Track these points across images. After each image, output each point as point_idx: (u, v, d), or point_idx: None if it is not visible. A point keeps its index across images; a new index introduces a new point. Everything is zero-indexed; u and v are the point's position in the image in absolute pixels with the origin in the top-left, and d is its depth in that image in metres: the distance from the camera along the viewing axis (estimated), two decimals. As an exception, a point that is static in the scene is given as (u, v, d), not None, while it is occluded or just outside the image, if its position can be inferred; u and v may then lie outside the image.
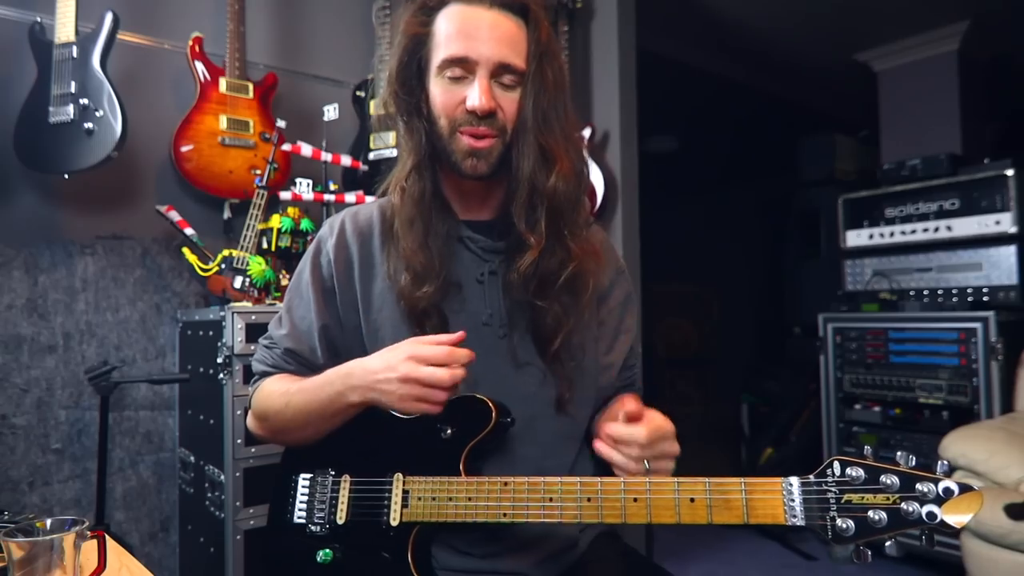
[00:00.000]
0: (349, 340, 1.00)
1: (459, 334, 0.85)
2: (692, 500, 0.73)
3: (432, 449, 0.88)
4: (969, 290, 2.69)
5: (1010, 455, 1.96)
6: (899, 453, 0.66)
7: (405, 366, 0.83)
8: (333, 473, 0.94)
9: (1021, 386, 2.33)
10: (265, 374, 1.03)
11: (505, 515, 0.82)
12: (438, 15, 0.93)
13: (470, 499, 0.83)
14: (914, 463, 0.64)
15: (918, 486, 0.63)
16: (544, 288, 0.94)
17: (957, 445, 2.07)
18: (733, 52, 3.85)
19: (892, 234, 2.91)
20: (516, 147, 0.92)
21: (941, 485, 0.62)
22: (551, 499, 0.79)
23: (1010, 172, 2.58)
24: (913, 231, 2.84)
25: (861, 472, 0.65)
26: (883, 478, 0.64)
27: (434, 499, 0.85)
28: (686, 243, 6.25)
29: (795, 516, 0.67)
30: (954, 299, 2.72)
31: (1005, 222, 2.58)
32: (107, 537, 0.78)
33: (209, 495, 1.79)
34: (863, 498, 0.65)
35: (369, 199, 2.00)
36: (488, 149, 0.91)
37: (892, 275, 2.92)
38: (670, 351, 6.10)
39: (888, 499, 0.64)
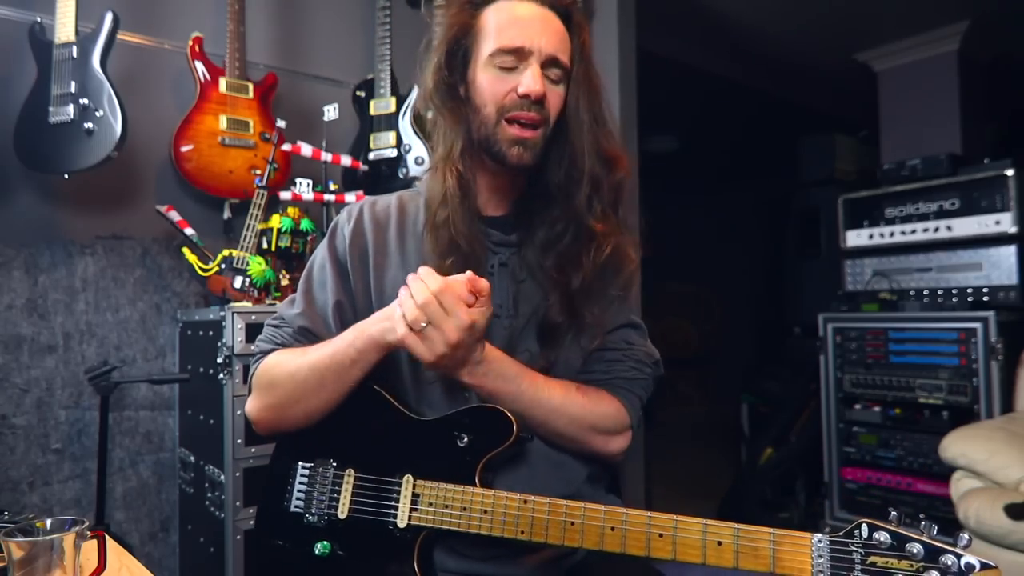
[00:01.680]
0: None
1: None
2: (719, 543, 0.73)
3: (445, 455, 0.88)
4: (969, 290, 2.69)
5: (1010, 455, 1.95)
6: (923, 523, 0.67)
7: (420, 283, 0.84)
8: (335, 464, 0.93)
9: (1021, 386, 2.32)
10: (271, 352, 1.02)
11: (523, 533, 0.81)
12: (487, 9, 0.96)
13: (485, 512, 0.83)
14: (936, 531, 0.67)
15: (942, 558, 0.65)
16: (605, 277, 0.98)
17: (957, 445, 2.06)
18: (733, 52, 3.85)
19: (892, 234, 2.91)
20: (571, 143, 0.95)
21: (963, 560, 0.64)
22: (572, 523, 0.79)
23: (1010, 172, 2.58)
24: (913, 231, 2.84)
25: (888, 537, 0.67)
26: (908, 546, 0.66)
27: (447, 507, 0.85)
28: (686, 243, 6.24)
29: (821, 572, 0.69)
30: (954, 299, 2.72)
31: (1005, 222, 2.58)
32: (107, 537, 0.78)
33: (209, 495, 1.79)
34: (888, 562, 0.67)
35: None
36: (535, 139, 0.93)
37: (892, 275, 2.92)
38: (670, 351, 6.08)
39: (912, 566, 0.66)
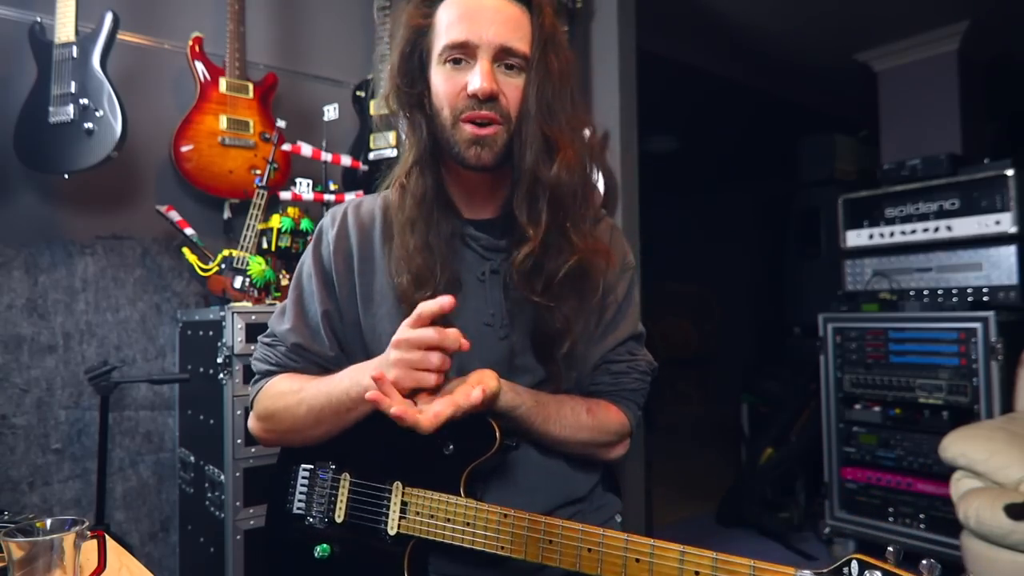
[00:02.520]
0: (349, 333, 0.99)
1: (445, 301, 0.80)
2: (697, 573, 0.69)
3: (432, 463, 0.87)
4: (969, 290, 2.69)
5: (1010, 455, 1.96)
6: (924, 562, 0.60)
7: (396, 352, 0.82)
8: (333, 467, 0.93)
9: (1021, 386, 2.33)
10: (269, 373, 1.00)
11: (503, 548, 0.80)
12: (439, 6, 0.91)
13: (468, 524, 0.82)
14: (939, 573, 0.60)
15: None
16: (548, 286, 0.91)
17: (957, 445, 2.07)
18: (733, 52, 3.85)
19: (892, 234, 2.91)
20: (519, 136, 0.89)
21: None
22: (550, 542, 0.78)
23: (1010, 172, 2.58)
24: (913, 231, 2.84)
25: None
26: None
27: (432, 517, 0.84)
28: (686, 243, 6.25)
29: None
30: (954, 299, 2.72)
31: (1005, 222, 2.58)
32: (107, 537, 0.78)
33: (209, 495, 1.79)
34: None
35: (369, 199, 1.99)
36: (492, 137, 0.88)
37: (892, 275, 2.92)
38: (670, 351, 6.10)
39: None
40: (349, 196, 2.03)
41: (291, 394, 0.94)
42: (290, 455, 0.99)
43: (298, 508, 0.94)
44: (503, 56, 0.88)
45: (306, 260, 1.03)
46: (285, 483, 0.96)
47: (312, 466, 0.95)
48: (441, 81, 0.90)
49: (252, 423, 1.01)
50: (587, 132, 2.48)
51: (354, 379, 0.89)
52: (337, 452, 0.94)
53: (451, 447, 0.86)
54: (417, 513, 0.85)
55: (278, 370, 1.00)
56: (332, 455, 0.94)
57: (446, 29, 0.89)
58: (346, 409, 0.90)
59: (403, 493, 0.87)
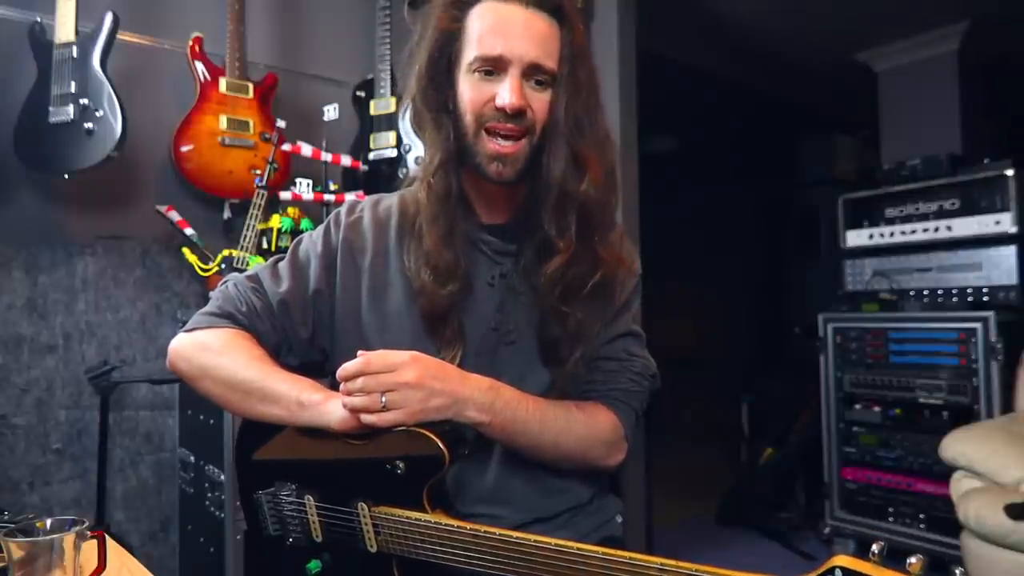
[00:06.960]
0: (338, 321, 0.98)
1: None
2: None
3: (389, 483, 0.84)
4: (969, 290, 2.69)
5: (1010, 455, 1.95)
6: (910, 560, 0.58)
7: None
8: (294, 488, 0.90)
9: (1021, 386, 2.32)
10: (232, 318, 0.95)
11: (483, 567, 0.77)
12: (471, 11, 0.91)
13: (442, 544, 0.79)
14: (925, 568, 0.57)
15: None
16: (568, 295, 0.92)
17: (957, 445, 2.07)
18: (733, 52, 3.85)
19: (892, 234, 2.91)
20: (547, 150, 0.90)
21: None
22: (529, 557, 0.74)
23: (1010, 172, 2.57)
24: (913, 231, 2.84)
25: None
26: None
27: (406, 537, 0.81)
28: (686, 243, 6.24)
29: None
30: (954, 299, 2.72)
31: (1005, 222, 2.58)
32: (107, 537, 0.77)
33: (209, 495, 1.79)
34: None
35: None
36: (515, 154, 0.89)
37: (892, 275, 2.92)
38: (670, 351, 6.08)
39: None
40: (349, 196, 2.03)
41: (239, 362, 0.91)
42: (245, 482, 0.96)
43: (275, 531, 0.92)
44: (532, 72, 0.89)
45: (312, 238, 1.02)
46: (254, 512, 0.94)
47: (270, 489, 0.91)
48: (468, 89, 0.91)
49: (187, 343, 0.96)
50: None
51: (299, 396, 0.87)
52: (294, 474, 0.91)
53: (401, 466, 0.83)
54: (391, 534, 0.82)
55: (245, 323, 0.96)
56: (289, 477, 0.91)
57: (478, 39, 0.89)
58: (272, 399, 0.88)
59: (371, 516, 0.83)
